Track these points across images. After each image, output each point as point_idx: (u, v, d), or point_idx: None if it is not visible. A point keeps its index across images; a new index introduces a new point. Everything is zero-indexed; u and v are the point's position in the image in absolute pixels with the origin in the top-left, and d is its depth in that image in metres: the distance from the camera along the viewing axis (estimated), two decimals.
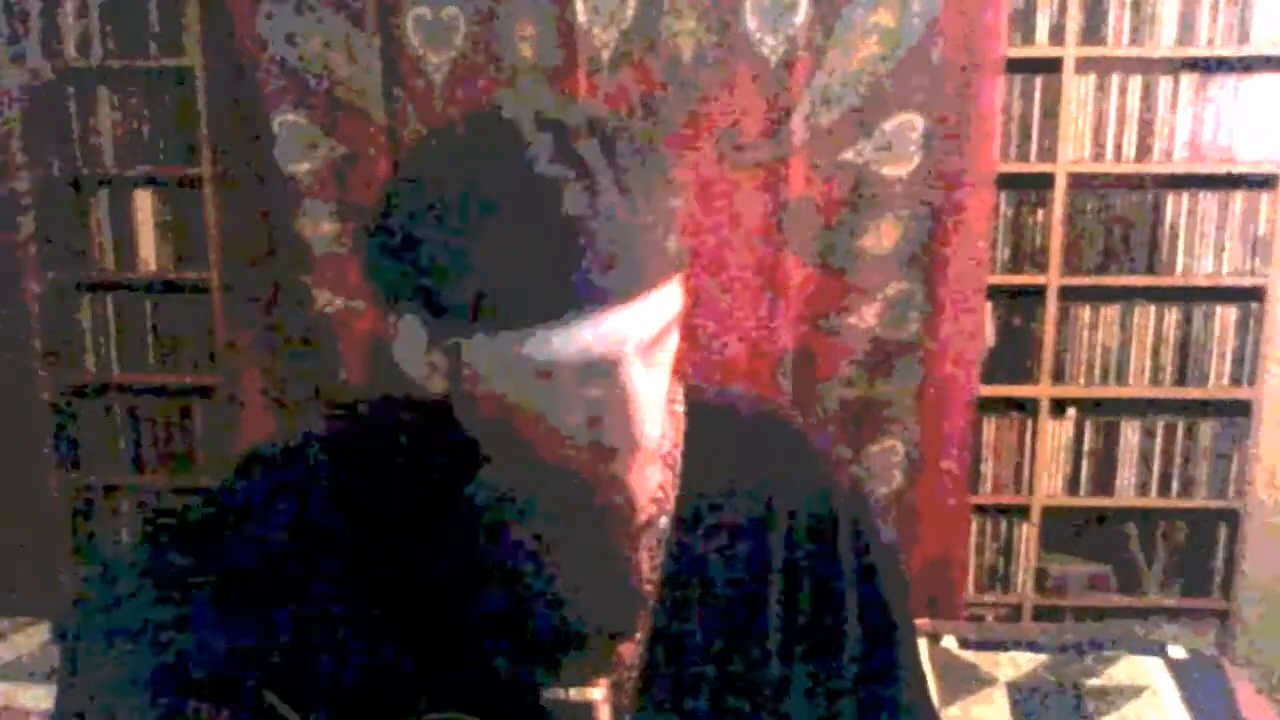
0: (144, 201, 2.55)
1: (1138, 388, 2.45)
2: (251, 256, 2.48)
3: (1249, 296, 2.40)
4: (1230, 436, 2.46)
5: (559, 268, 0.67)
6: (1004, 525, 2.54)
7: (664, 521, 0.84)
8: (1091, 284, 2.42)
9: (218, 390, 2.58)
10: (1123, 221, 2.40)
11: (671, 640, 0.84)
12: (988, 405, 2.47)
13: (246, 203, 2.45)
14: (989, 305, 2.40)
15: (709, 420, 0.87)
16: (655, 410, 0.75)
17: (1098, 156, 2.38)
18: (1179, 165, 2.37)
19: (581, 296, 0.68)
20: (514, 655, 0.74)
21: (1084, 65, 2.33)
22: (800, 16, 2.24)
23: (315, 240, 2.40)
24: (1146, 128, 2.36)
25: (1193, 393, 2.45)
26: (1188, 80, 2.34)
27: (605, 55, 2.28)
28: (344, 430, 0.91)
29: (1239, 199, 2.36)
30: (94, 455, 2.67)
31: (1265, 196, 2.35)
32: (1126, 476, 2.49)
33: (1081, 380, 2.46)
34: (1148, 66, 2.35)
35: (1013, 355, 2.46)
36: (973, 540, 2.53)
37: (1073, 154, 2.36)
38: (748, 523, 0.85)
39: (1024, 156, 2.37)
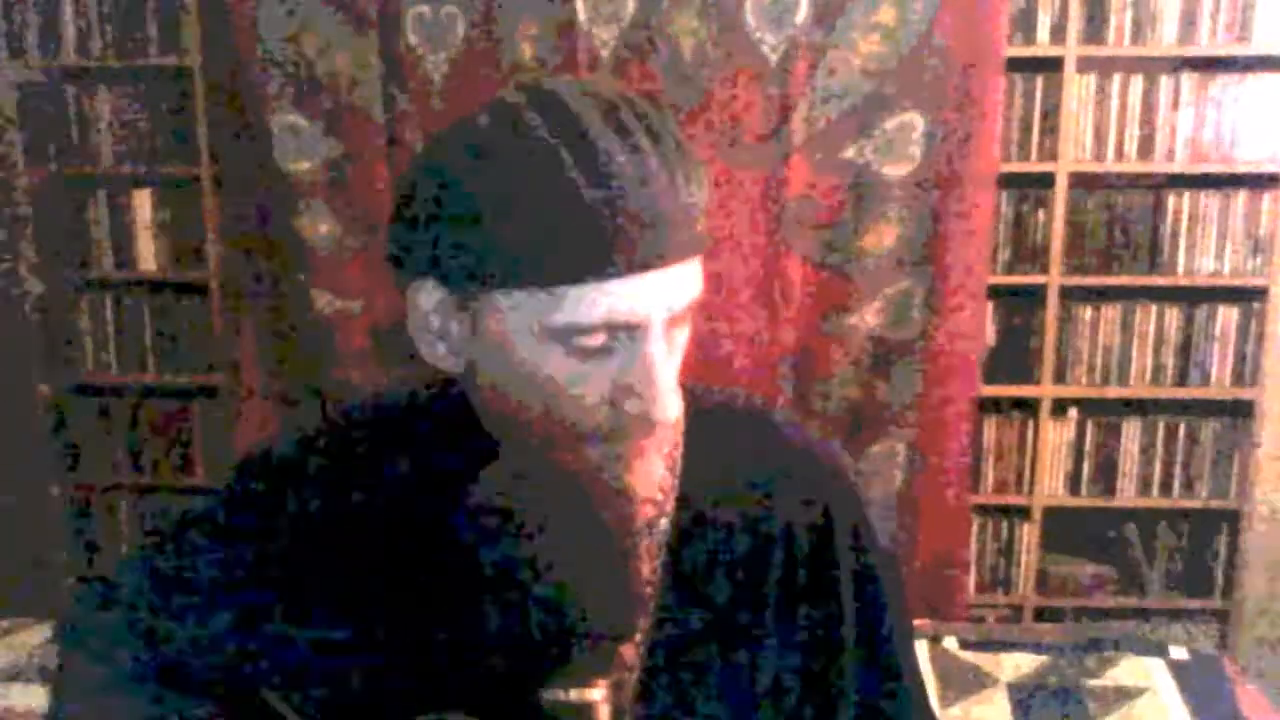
0: (143, 201, 2.55)
1: (1139, 388, 2.45)
2: (250, 256, 2.47)
3: (1250, 296, 2.40)
4: (1232, 437, 2.45)
5: (600, 227, 0.68)
6: (1005, 526, 2.53)
7: (663, 523, 0.83)
8: (1093, 284, 2.42)
9: (216, 391, 2.58)
10: (1124, 221, 2.39)
11: (671, 642, 0.83)
12: (989, 405, 2.47)
13: (245, 202, 2.45)
14: (990, 305, 2.39)
15: (708, 422, 0.86)
16: (674, 390, 0.75)
17: (1099, 156, 2.37)
18: (1180, 165, 2.37)
19: (619, 257, 0.68)
20: (514, 655, 0.74)
21: (1085, 64, 2.33)
22: (801, 15, 2.23)
23: (314, 240, 2.40)
24: (1148, 127, 2.35)
25: (1194, 393, 2.44)
26: (1189, 79, 2.33)
27: (605, 54, 2.28)
28: (342, 430, 0.90)
29: (1240, 198, 2.36)
30: (93, 455, 2.67)
31: (1267, 196, 2.35)
32: (1128, 477, 2.49)
33: (1083, 380, 2.46)
34: (1149, 66, 2.35)
35: (1014, 355, 2.46)
36: (974, 541, 2.52)
37: (1074, 153, 2.36)
38: (746, 524, 0.85)
39: (1025, 156, 2.37)
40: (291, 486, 0.86)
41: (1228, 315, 2.40)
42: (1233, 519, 2.48)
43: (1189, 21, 2.30)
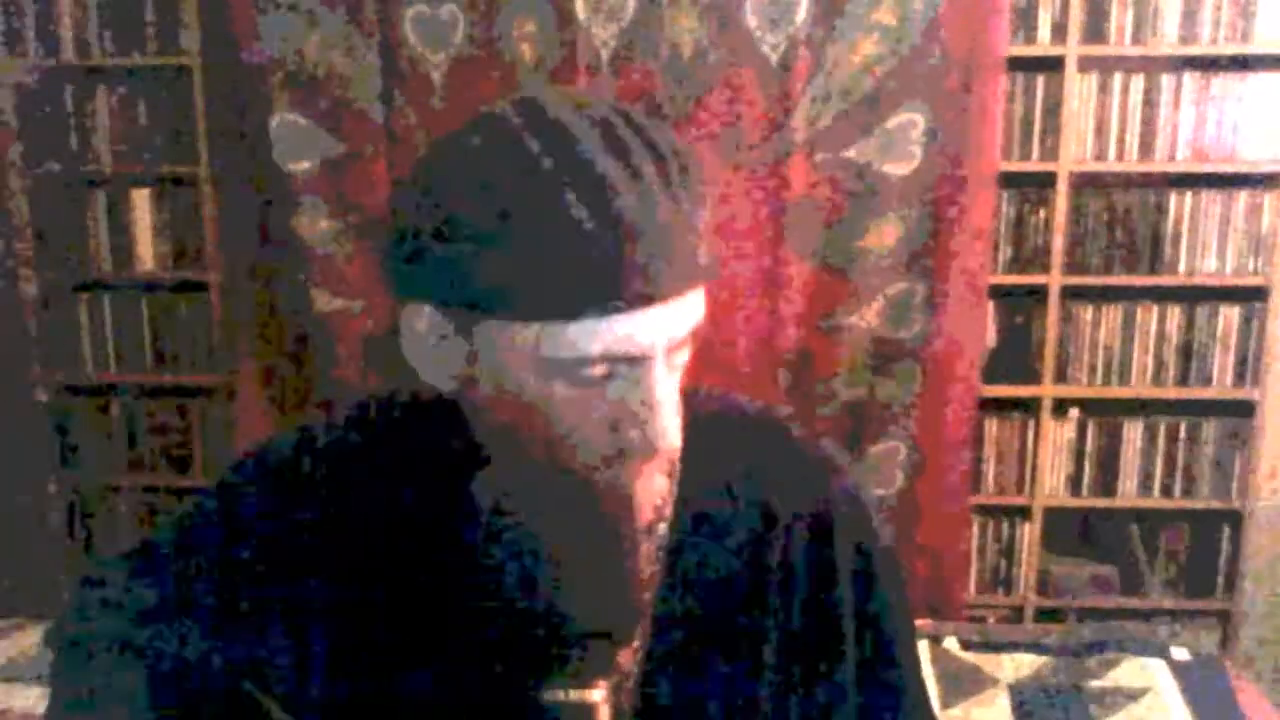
0: (142, 201, 2.55)
1: (1140, 388, 2.45)
2: (249, 256, 2.47)
3: (1252, 296, 2.40)
4: (1233, 437, 2.45)
5: (603, 264, 0.66)
6: (1006, 526, 2.53)
7: (663, 527, 0.83)
8: (1094, 283, 2.41)
9: (216, 390, 2.58)
10: (1125, 221, 2.39)
11: (671, 644, 0.83)
12: (989, 405, 2.46)
13: (245, 202, 2.45)
14: (991, 305, 2.39)
15: (707, 426, 0.86)
16: (675, 415, 0.74)
17: (1100, 155, 2.37)
18: (1182, 164, 2.36)
19: (623, 292, 0.67)
20: (514, 657, 0.73)
21: (1086, 64, 2.33)
22: (801, 14, 2.23)
23: (313, 239, 2.39)
24: (1149, 127, 2.35)
25: (1195, 393, 2.44)
26: (1190, 79, 2.33)
27: (605, 54, 2.28)
28: (340, 430, 0.90)
29: (1242, 198, 2.36)
30: (92, 455, 2.66)
31: (1268, 195, 2.35)
32: (1129, 477, 2.48)
33: (1084, 380, 2.46)
34: (1150, 65, 2.34)
35: (1014, 355, 2.45)
36: (974, 541, 2.52)
37: (1075, 153, 2.36)
38: (746, 528, 0.85)
39: (1026, 155, 2.37)
40: (287, 488, 0.86)
41: (1229, 315, 2.40)
42: (1234, 519, 2.48)
43: (1190, 21, 2.29)
